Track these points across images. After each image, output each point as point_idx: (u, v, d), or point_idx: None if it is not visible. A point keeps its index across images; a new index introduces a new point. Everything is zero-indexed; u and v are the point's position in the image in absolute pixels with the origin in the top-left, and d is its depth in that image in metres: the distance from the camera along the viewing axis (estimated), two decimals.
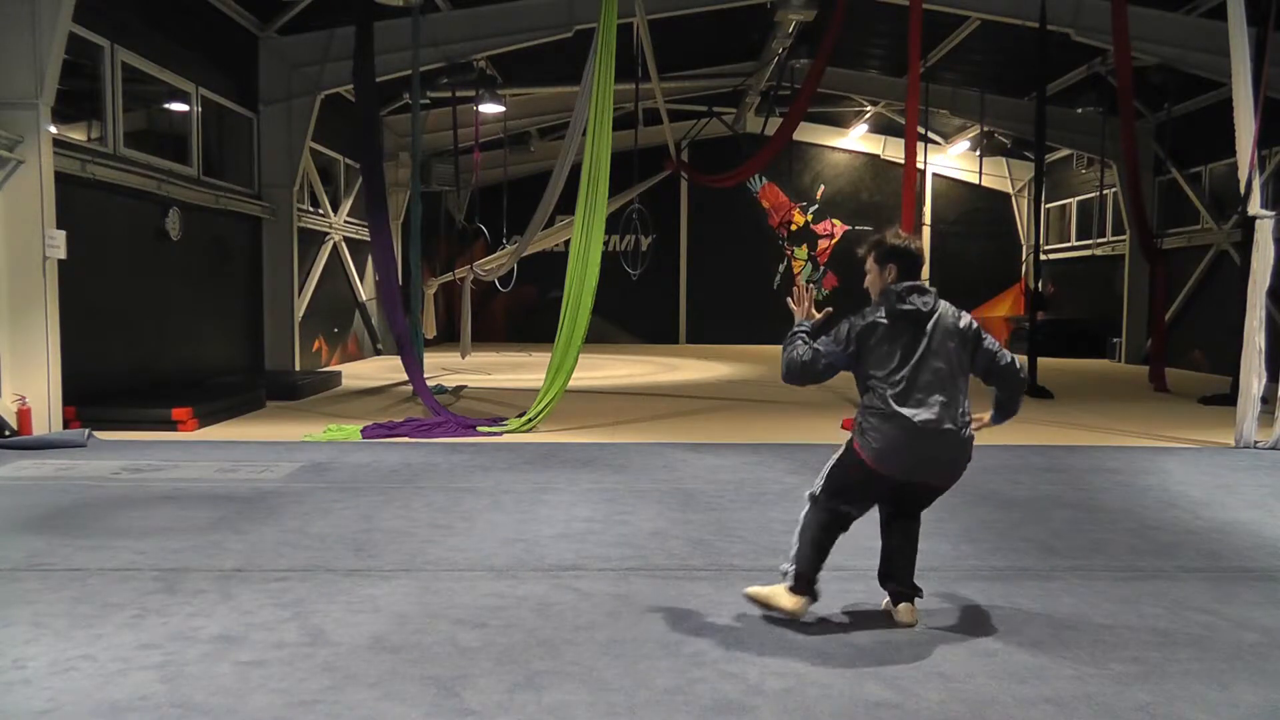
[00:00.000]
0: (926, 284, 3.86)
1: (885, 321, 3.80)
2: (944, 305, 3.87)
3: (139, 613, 3.99)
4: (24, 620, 3.90)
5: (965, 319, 3.88)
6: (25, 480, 6.76)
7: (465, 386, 13.20)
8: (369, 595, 4.26)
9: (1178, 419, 10.59)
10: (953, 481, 3.92)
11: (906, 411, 3.69)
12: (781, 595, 3.89)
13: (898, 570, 3.99)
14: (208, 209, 12.16)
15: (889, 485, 3.86)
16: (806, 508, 3.97)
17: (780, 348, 4.00)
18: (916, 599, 4.00)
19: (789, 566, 3.91)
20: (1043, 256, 15.41)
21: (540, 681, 3.34)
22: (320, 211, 16.18)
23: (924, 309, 3.79)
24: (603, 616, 4.00)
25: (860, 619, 4.00)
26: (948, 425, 3.72)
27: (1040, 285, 14.28)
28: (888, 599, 4.04)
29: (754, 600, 3.98)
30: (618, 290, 18.28)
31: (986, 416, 4.03)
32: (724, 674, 3.42)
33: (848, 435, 3.92)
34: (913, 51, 10.49)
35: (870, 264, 3.94)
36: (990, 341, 3.91)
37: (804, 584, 3.87)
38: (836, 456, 3.94)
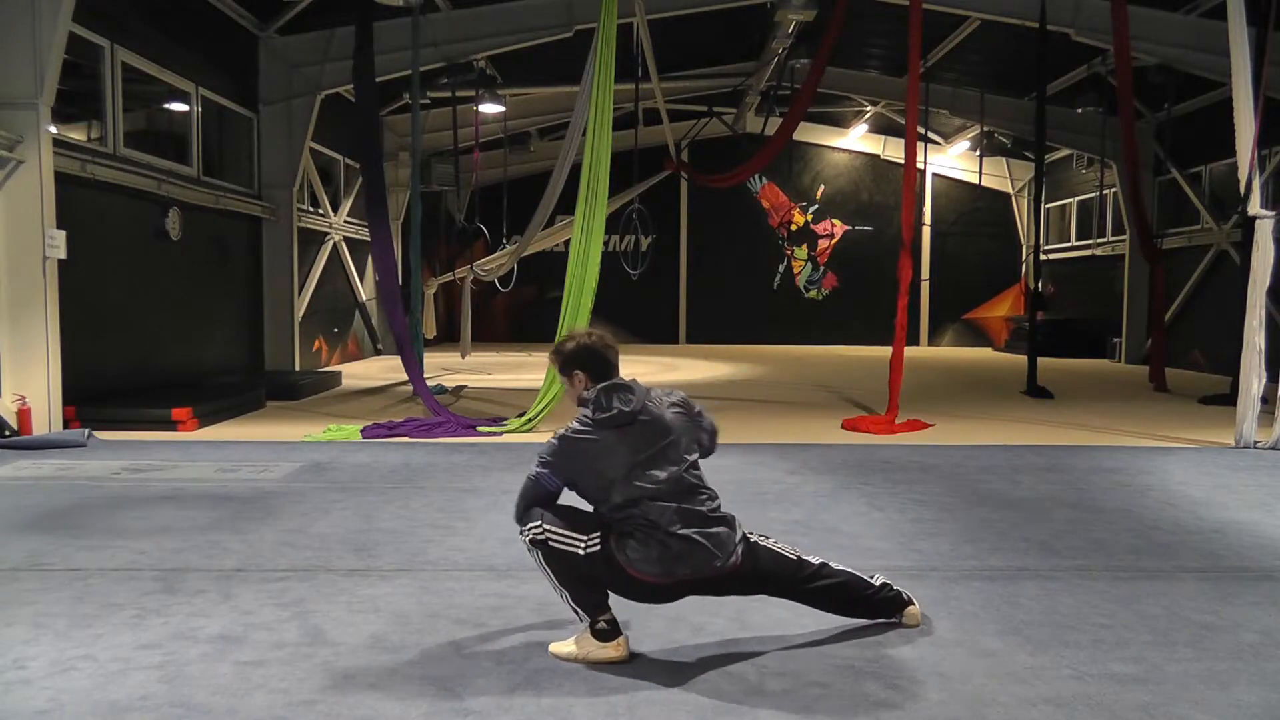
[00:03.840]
0: (625, 380, 3.51)
1: (595, 437, 3.42)
2: (653, 393, 3.54)
3: (139, 613, 3.99)
4: (24, 620, 3.90)
5: (677, 394, 3.64)
6: (25, 480, 6.76)
7: (465, 386, 13.19)
8: (369, 595, 4.26)
9: (1178, 419, 10.58)
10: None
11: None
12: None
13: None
14: (208, 209, 12.15)
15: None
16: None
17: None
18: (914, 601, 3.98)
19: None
20: (1043, 256, 15.41)
21: (540, 681, 3.34)
22: (320, 211, 16.18)
23: (625, 408, 3.42)
24: None
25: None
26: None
27: (1040, 285, 14.28)
28: None
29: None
30: (618, 290, 18.25)
31: None
32: (724, 674, 3.42)
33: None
34: (913, 52, 10.47)
35: (559, 378, 3.64)
36: (707, 420, 3.72)
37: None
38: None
